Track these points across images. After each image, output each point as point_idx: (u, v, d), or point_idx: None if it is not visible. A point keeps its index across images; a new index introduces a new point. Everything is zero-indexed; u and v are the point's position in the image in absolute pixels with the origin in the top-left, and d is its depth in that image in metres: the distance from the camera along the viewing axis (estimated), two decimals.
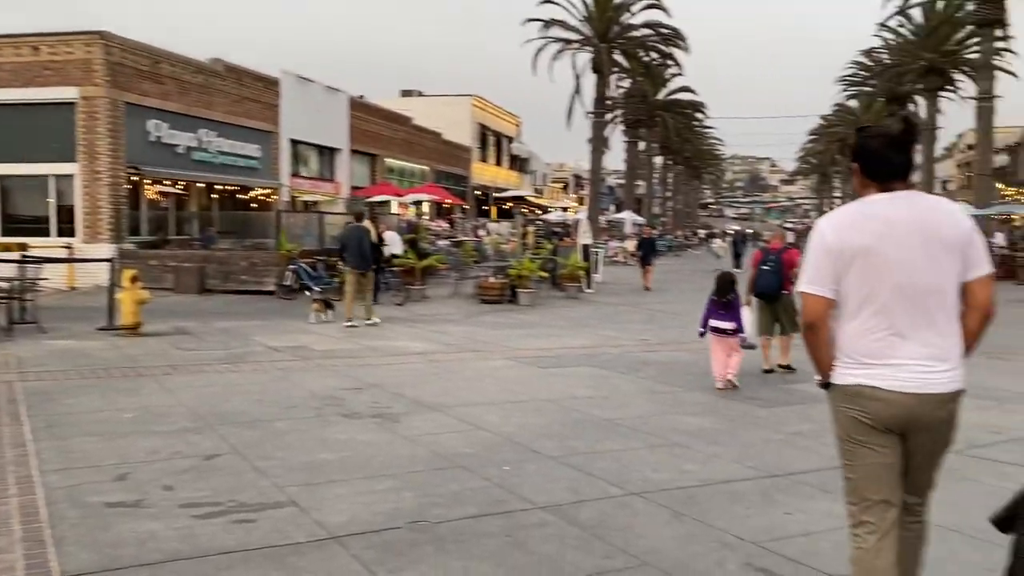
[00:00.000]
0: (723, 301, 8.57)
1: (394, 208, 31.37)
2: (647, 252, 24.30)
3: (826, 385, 3.04)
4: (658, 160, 69.44)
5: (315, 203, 30.39)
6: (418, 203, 27.16)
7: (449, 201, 32.90)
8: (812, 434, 6.77)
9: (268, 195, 26.78)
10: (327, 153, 31.50)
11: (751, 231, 51.84)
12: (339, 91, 31.51)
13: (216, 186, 24.93)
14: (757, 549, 4.29)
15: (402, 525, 4.56)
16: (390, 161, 36.45)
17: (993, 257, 17.54)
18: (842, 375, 2.96)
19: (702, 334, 8.82)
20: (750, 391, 8.56)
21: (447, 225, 35.14)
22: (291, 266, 18.56)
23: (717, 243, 37.96)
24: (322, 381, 8.76)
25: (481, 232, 37.85)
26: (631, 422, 7.09)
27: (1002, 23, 32.01)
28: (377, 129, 34.88)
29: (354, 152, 32.79)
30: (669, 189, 79.42)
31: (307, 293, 16.89)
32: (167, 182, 23.13)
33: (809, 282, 2.97)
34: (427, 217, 34.71)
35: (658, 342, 12.58)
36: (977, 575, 4.04)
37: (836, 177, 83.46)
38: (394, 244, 19.91)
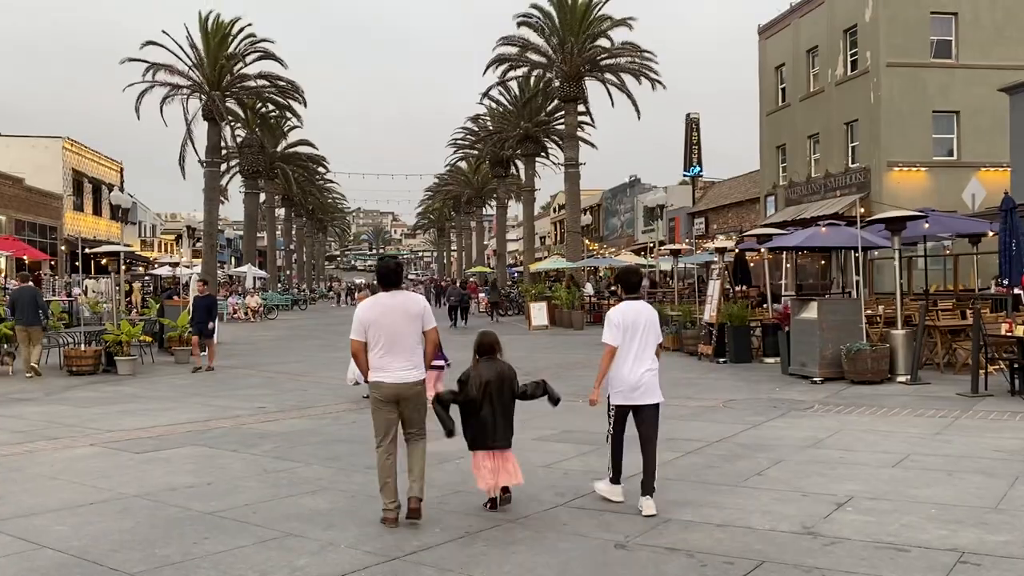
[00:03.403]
0: None
1: None
2: (202, 318, 17.36)
3: (367, 382, 6.10)
4: (281, 212, 68.02)
5: None
6: None
7: (25, 256, 28.44)
8: (435, 501, 6.54)
9: None
10: None
11: None
12: None
13: None
14: None
15: None
16: None
17: (584, 304, 19.42)
18: (371, 376, 6.01)
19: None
20: (373, 461, 8.16)
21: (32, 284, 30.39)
22: None
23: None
24: None
25: (76, 290, 33.44)
26: (238, 512, 6.27)
27: (582, 100, 36.70)
28: None
29: None
30: (293, 241, 78.18)
31: None
32: None
33: (353, 333, 6.04)
34: (20, 275, 29.70)
35: (277, 410, 11.76)
36: None
37: (452, 231, 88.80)
38: None
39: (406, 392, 5.93)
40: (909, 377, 12.75)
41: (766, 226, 21.45)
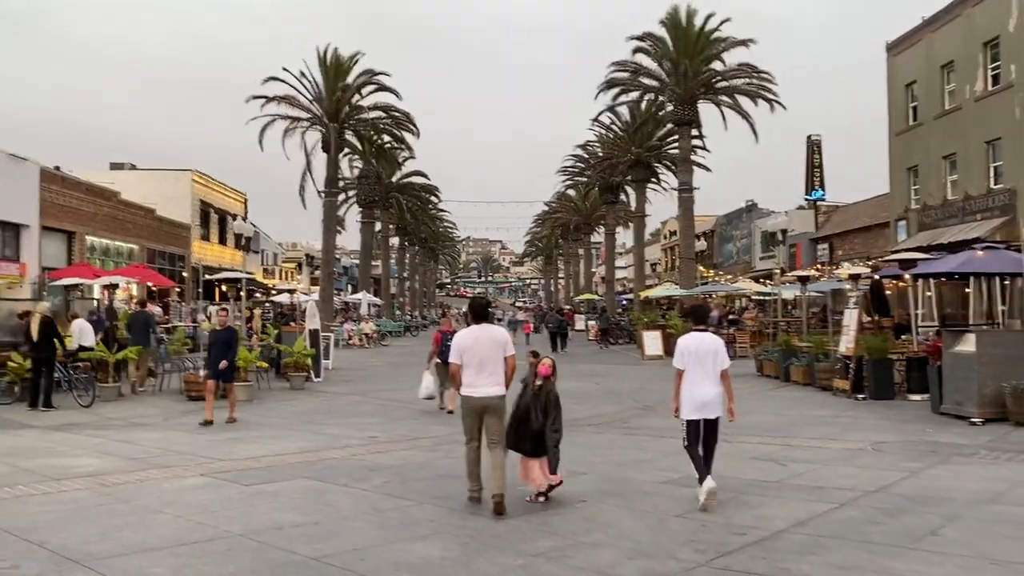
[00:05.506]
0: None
1: (96, 292, 27.65)
2: (218, 356, 12.94)
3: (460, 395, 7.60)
4: (395, 241, 69.26)
5: None
6: (114, 286, 23.98)
7: (151, 283, 29.50)
8: (556, 554, 5.90)
9: None
10: (11, 230, 27.14)
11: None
12: (26, 160, 27.48)
13: None
14: None
15: None
16: (92, 239, 32.43)
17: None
18: (463, 391, 7.43)
19: None
20: (488, 505, 7.57)
21: (160, 310, 31.67)
22: None
23: None
24: None
25: (201, 317, 34.60)
26: (345, 559, 5.77)
27: (696, 123, 35.62)
28: (76, 204, 30.88)
29: (46, 229, 28.63)
30: (406, 269, 79.46)
31: None
32: None
33: (451, 357, 7.55)
34: (135, 301, 31.02)
35: (388, 440, 11.38)
36: None
37: (560, 259, 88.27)
38: (84, 335, 17.06)
39: (490, 404, 7.31)
40: None
41: (904, 251, 19.84)
